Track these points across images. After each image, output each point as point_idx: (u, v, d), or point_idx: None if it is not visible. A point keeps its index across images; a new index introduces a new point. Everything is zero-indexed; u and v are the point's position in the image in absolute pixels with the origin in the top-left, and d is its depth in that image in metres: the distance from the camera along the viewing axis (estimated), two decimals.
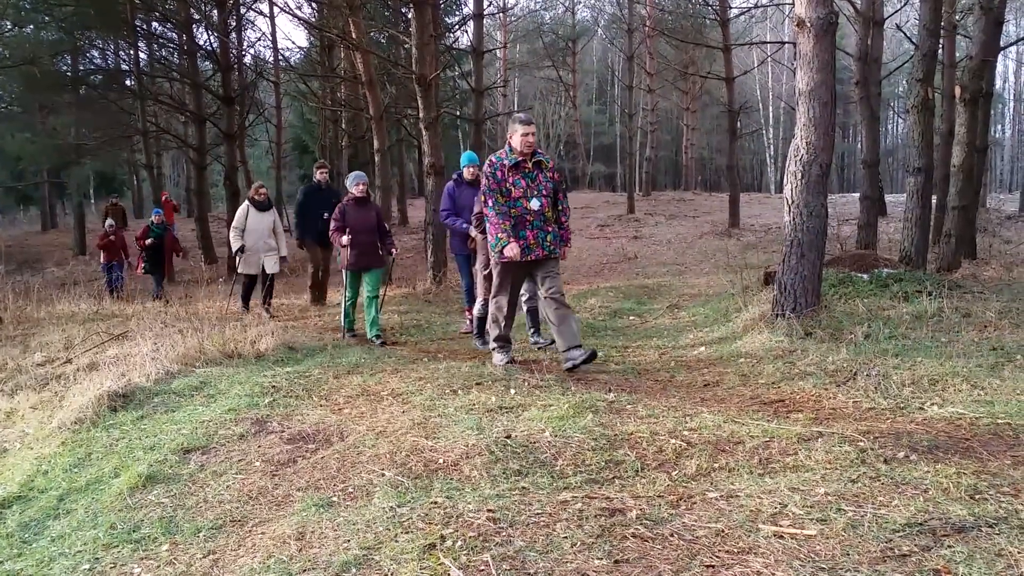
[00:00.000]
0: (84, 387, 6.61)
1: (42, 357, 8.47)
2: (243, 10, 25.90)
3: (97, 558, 3.64)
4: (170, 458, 4.81)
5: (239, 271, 11.59)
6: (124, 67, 26.74)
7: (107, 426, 5.70)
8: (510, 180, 6.48)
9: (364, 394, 5.91)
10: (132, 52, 23.83)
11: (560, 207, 6.78)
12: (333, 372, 6.69)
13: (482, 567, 2.93)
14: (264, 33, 39.17)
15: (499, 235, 6.42)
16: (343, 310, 9.34)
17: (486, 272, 7.46)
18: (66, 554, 3.76)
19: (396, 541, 3.23)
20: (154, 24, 25.14)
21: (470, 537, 3.18)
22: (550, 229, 6.59)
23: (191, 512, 4.03)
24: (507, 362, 6.73)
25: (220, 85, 23.00)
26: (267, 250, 11.44)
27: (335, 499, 3.90)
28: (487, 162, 6.62)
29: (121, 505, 4.23)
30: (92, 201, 38.92)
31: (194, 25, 23.57)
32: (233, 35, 24.54)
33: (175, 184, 48.52)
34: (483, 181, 6.56)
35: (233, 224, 11.46)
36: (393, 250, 9.30)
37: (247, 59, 27.75)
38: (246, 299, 11.71)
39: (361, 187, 9.00)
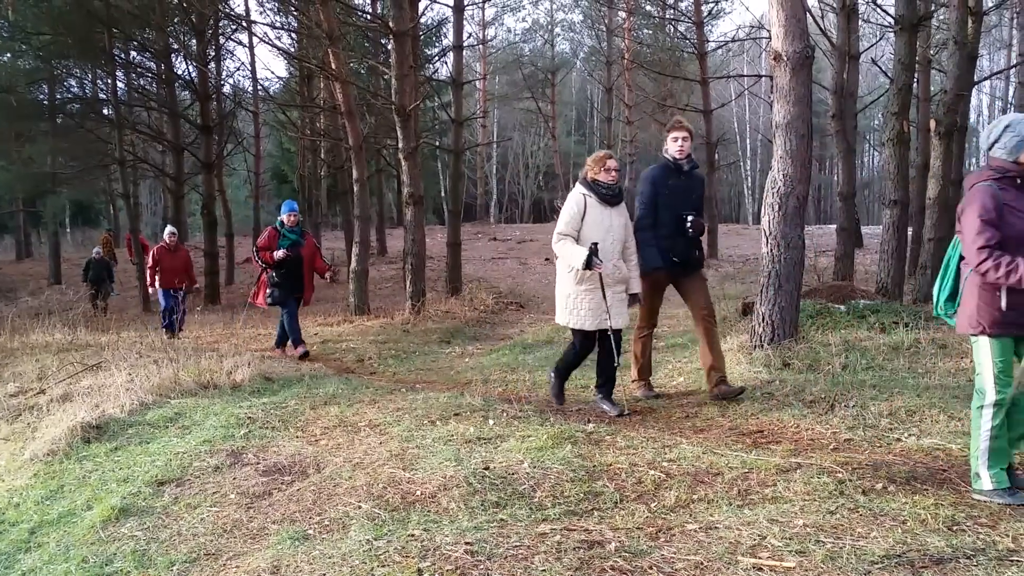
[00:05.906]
0: (57, 418, 6.53)
1: (15, 388, 8.36)
2: (222, 40, 26.00)
3: None
4: (144, 490, 4.75)
5: (568, 324, 6.15)
6: (101, 96, 26.66)
7: (80, 458, 5.62)
8: None
9: (341, 425, 5.86)
10: (110, 81, 23.72)
11: None
12: (310, 403, 6.63)
13: None
14: (243, 63, 39.32)
15: None
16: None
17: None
18: None
19: (373, 575, 3.19)
20: (132, 53, 25.13)
21: (448, 570, 3.14)
22: None
23: (164, 545, 3.97)
24: None
25: (198, 114, 23.02)
26: (617, 282, 6.10)
27: (311, 532, 3.85)
28: None
29: (94, 538, 4.16)
30: (68, 230, 38.62)
31: (172, 54, 23.60)
32: (212, 65, 24.60)
33: (152, 213, 48.26)
34: None
35: (559, 230, 6.04)
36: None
37: (226, 88, 27.83)
38: (565, 375, 6.50)
39: None
